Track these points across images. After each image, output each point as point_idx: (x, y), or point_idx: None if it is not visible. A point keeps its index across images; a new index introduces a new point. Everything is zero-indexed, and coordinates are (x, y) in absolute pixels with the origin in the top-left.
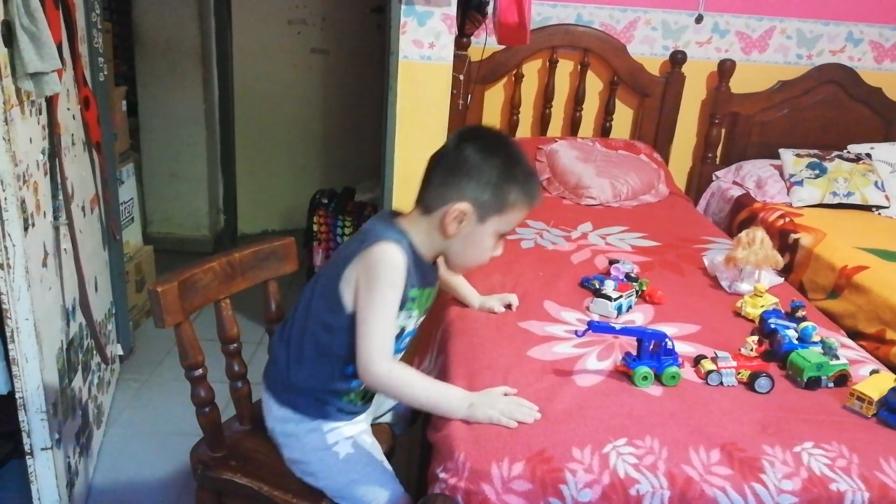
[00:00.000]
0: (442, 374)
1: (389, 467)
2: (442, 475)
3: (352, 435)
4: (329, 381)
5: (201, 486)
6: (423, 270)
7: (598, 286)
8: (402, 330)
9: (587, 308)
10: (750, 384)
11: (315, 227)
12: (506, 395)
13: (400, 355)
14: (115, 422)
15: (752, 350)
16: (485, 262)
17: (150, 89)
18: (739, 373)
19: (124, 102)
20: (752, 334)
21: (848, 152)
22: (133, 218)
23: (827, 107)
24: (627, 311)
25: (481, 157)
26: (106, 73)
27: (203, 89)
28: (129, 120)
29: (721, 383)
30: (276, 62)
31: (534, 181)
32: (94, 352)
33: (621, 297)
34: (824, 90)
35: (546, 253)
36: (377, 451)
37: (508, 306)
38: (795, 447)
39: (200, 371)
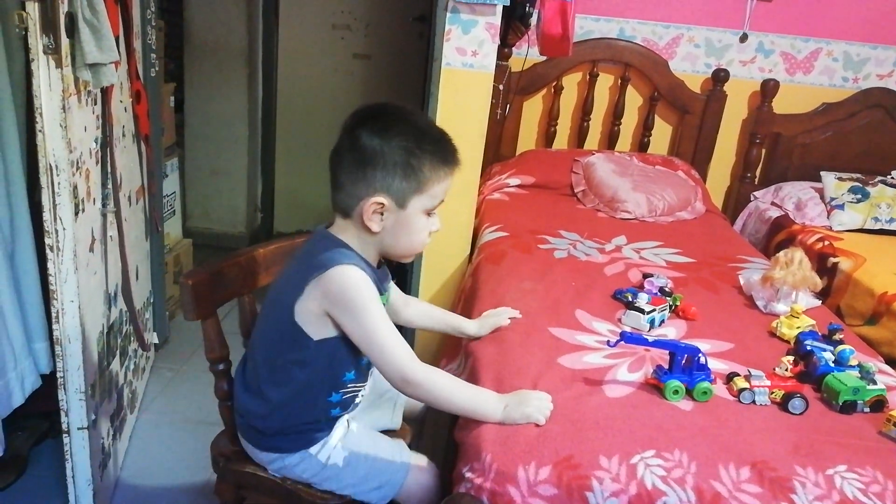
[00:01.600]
0: (471, 377)
1: (389, 442)
2: (468, 475)
3: (339, 438)
4: (312, 412)
5: (221, 478)
6: (378, 277)
7: (631, 299)
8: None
9: (619, 320)
10: (784, 404)
11: None
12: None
13: (371, 370)
14: (147, 408)
15: (787, 370)
16: (426, 243)
17: (196, 87)
18: (773, 392)
19: (172, 98)
20: (788, 354)
21: (892, 178)
22: (174, 211)
23: (872, 131)
24: (660, 325)
25: (379, 141)
26: (157, 69)
27: (248, 89)
28: (175, 116)
29: (753, 402)
30: (320, 65)
31: (444, 145)
32: (132, 338)
33: (654, 310)
34: (870, 114)
35: (579, 264)
36: (370, 435)
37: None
38: (828, 470)
39: (224, 365)
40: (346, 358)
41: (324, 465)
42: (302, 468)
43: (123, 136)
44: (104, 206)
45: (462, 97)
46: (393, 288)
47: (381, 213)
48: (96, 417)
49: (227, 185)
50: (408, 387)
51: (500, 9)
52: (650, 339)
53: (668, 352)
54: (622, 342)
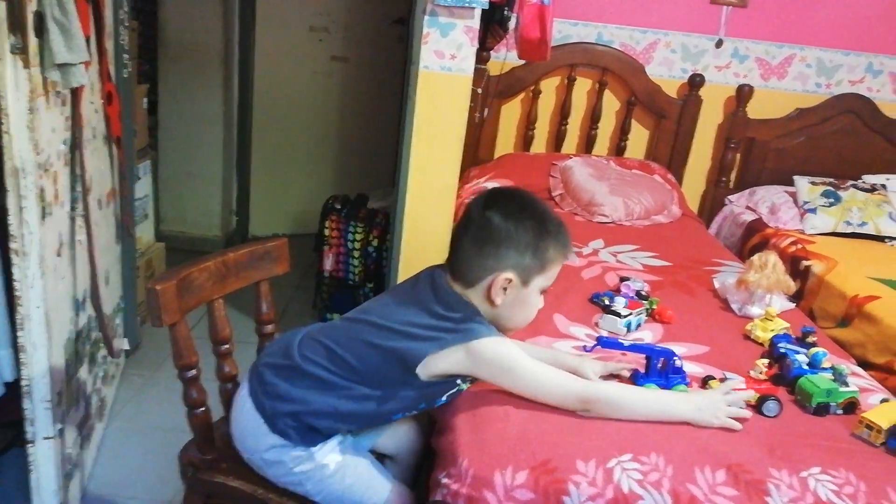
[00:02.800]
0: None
1: (376, 462)
2: (444, 480)
3: (338, 442)
4: (367, 421)
5: (190, 488)
6: None
7: (608, 302)
8: (458, 389)
9: (596, 324)
10: (758, 407)
11: (326, 232)
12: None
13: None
14: (117, 416)
15: (761, 373)
16: (531, 320)
17: (170, 89)
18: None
19: (145, 100)
20: (762, 357)
21: (863, 182)
22: (147, 215)
23: (844, 136)
24: (637, 328)
25: (513, 223)
26: (130, 70)
27: (223, 91)
28: (148, 118)
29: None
30: (297, 68)
31: (564, 231)
32: (101, 344)
33: (631, 314)
34: (842, 120)
35: None
36: (362, 450)
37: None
38: (802, 472)
39: (194, 372)
40: (431, 397)
41: (318, 465)
42: (298, 462)
43: (94, 137)
44: (73, 209)
45: (440, 100)
46: None
47: (507, 289)
48: (63, 427)
49: (201, 187)
50: (590, 406)
51: (478, 12)
52: (626, 343)
53: (643, 356)
54: (598, 347)
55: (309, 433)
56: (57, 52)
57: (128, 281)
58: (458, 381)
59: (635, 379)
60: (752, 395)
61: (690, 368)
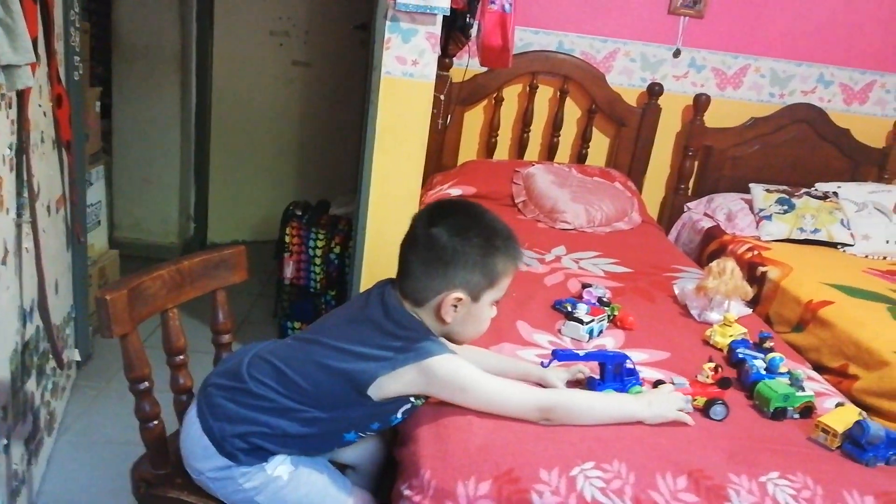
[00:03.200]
0: None
1: (336, 470)
2: (406, 492)
3: (288, 454)
4: (320, 444)
5: None
6: None
7: (570, 309)
8: (412, 405)
9: (559, 331)
10: (705, 411)
11: (287, 239)
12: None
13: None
14: (67, 429)
15: (707, 377)
16: (485, 330)
17: (125, 92)
18: (695, 399)
19: (98, 104)
20: (710, 361)
21: (816, 190)
22: (100, 221)
23: (797, 145)
24: (599, 335)
25: (459, 241)
26: (81, 72)
27: (180, 95)
28: (102, 122)
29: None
30: (257, 72)
31: (514, 242)
32: (50, 356)
33: (593, 321)
34: (795, 129)
35: (519, 274)
36: (319, 459)
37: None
38: (761, 477)
39: (146, 384)
40: (384, 416)
41: (269, 476)
42: (247, 478)
43: (42, 142)
44: (19, 215)
45: (403, 106)
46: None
47: (456, 307)
48: (8, 442)
49: (157, 193)
50: (549, 415)
51: (440, 18)
52: (581, 353)
53: (598, 363)
54: (556, 361)
55: (257, 452)
56: (1, 53)
57: (79, 289)
58: (412, 399)
59: (592, 386)
60: (689, 399)
61: (652, 374)
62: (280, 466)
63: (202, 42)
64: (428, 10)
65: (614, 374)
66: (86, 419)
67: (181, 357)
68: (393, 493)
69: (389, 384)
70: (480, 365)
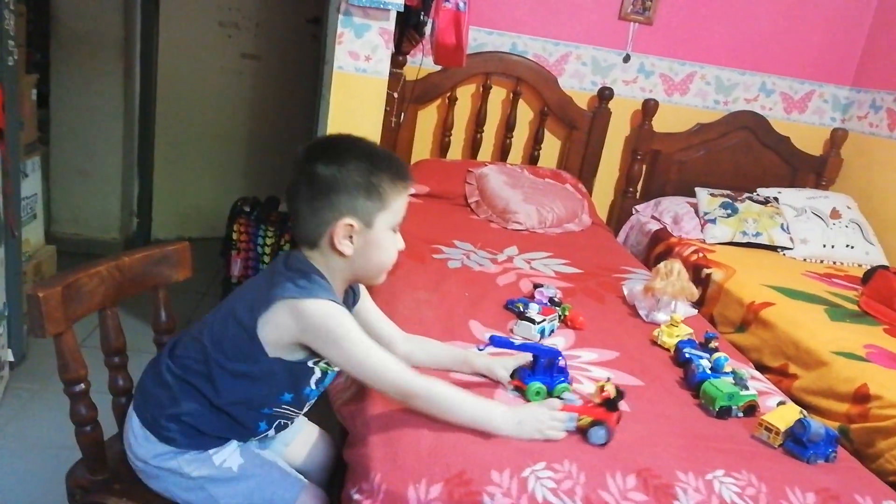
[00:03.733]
0: (360, 397)
1: (284, 463)
2: (356, 496)
3: (237, 444)
4: (238, 420)
5: None
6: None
7: (522, 309)
8: (325, 374)
9: (511, 330)
10: (584, 433)
11: (235, 236)
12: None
13: (315, 399)
14: (0, 433)
15: (596, 397)
16: (393, 261)
17: (64, 80)
18: (581, 418)
19: (34, 91)
20: (608, 381)
21: (758, 195)
22: (36, 215)
23: (740, 151)
24: (550, 334)
25: (337, 167)
26: (16, 57)
27: (123, 84)
28: (39, 111)
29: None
30: (204, 64)
31: (395, 162)
32: None
33: (545, 320)
34: (738, 135)
35: (472, 274)
36: (268, 451)
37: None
38: (708, 475)
39: (82, 386)
40: (290, 382)
41: (217, 467)
42: (194, 466)
43: None
44: None
45: (355, 102)
46: (388, 322)
47: (351, 235)
48: None
49: (98, 187)
50: (410, 401)
51: (393, 14)
52: (516, 342)
53: (532, 355)
54: (491, 346)
55: (197, 437)
56: None
57: (12, 286)
58: (309, 363)
59: (522, 377)
60: (574, 417)
61: (601, 374)
62: (230, 458)
63: (147, 29)
64: (382, 6)
65: (545, 368)
66: (19, 423)
67: (120, 357)
68: (342, 497)
69: (268, 326)
70: (424, 351)
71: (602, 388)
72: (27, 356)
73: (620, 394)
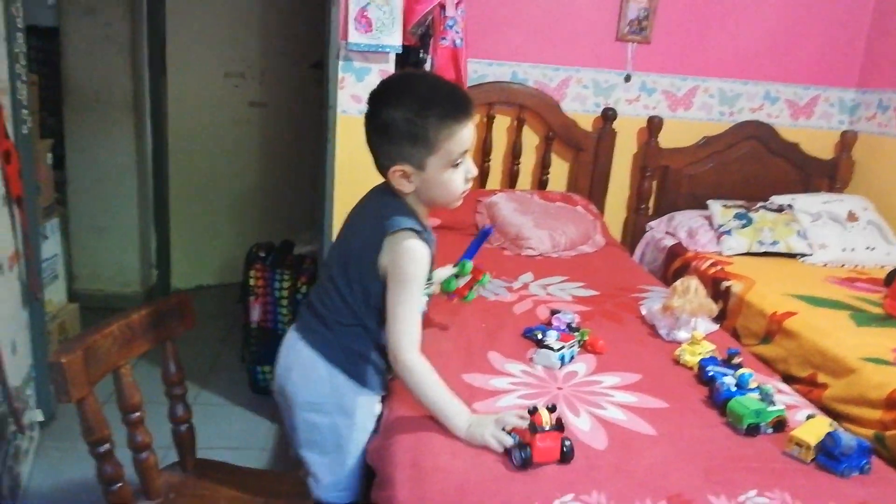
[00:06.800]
0: (386, 434)
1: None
2: None
3: (379, 410)
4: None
5: None
6: (432, 243)
7: (540, 337)
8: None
9: (530, 359)
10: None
11: (252, 282)
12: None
13: None
14: (33, 494)
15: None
16: (463, 188)
17: (78, 141)
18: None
19: (50, 155)
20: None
21: (771, 203)
22: (57, 275)
23: (749, 161)
24: (570, 361)
25: (389, 114)
26: (30, 125)
27: (135, 141)
28: (55, 173)
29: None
30: (213, 115)
31: (449, 98)
32: (10, 420)
33: (564, 347)
34: (746, 145)
35: (488, 304)
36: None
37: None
38: (740, 496)
39: (107, 446)
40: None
41: (367, 413)
42: (350, 397)
43: None
44: None
45: (360, 144)
46: None
47: (406, 177)
48: None
49: (116, 242)
50: (395, 364)
51: (392, 56)
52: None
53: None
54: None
55: (351, 361)
56: None
57: (38, 348)
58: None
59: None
60: (515, 437)
61: (624, 398)
62: (375, 410)
63: (156, 87)
64: (380, 49)
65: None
66: (52, 482)
67: (137, 414)
68: None
69: (382, 259)
70: None
71: (533, 411)
72: (56, 415)
73: (552, 412)
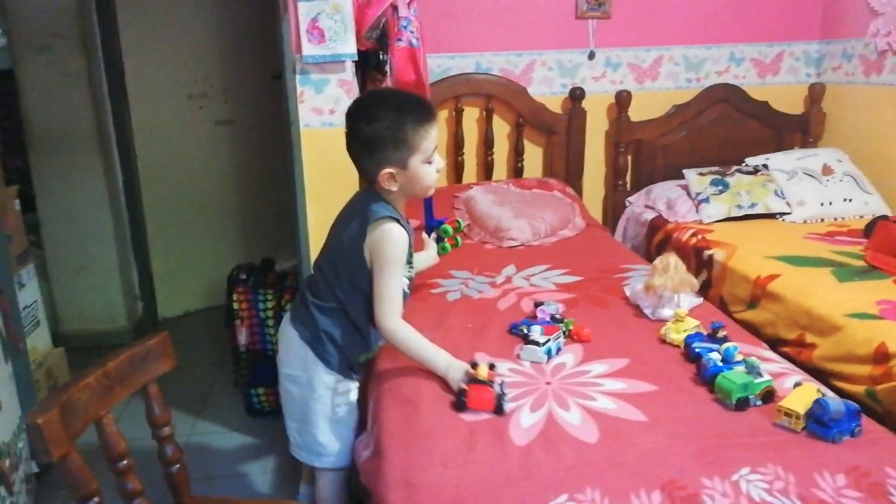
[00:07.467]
0: (377, 446)
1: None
2: None
3: (355, 393)
4: (362, 340)
5: None
6: (410, 231)
7: (525, 332)
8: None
9: (517, 356)
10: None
11: (235, 306)
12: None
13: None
14: None
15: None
16: (434, 180)
17: (47, 182)
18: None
19: (17, 201)
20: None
21: (746, 165)
22: (39, 321)
23: (720, 125)
24: (557, 353)
25: (372, 128)
26: None
27: (105, 176)
28: (27, 216)
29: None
30: (180, 138)
31: (420, 106)
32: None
33: (549, 340)
34: (716, 109)
35: (472, 303)
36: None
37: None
38: (733, 476)
39: (97, 500)
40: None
41: (324, 388)
42: (313, 371)
43: None
44: None
45: (328, 155)
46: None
47: (394, 178)
48: None
49: (98, 279)
50: (384, 332)
51: (350, 64)
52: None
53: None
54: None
55: (322, 342)
56: None
57: (26, 399)
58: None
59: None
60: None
61: (615, 385)
62: (351, 394)
63: (119, 119)
64: (336, 59)
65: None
66: None
67: (125, 462)
68: None
69: (367, 247)
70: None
71: (474, 366)
72: (52, 466)
73: (492, 369)
